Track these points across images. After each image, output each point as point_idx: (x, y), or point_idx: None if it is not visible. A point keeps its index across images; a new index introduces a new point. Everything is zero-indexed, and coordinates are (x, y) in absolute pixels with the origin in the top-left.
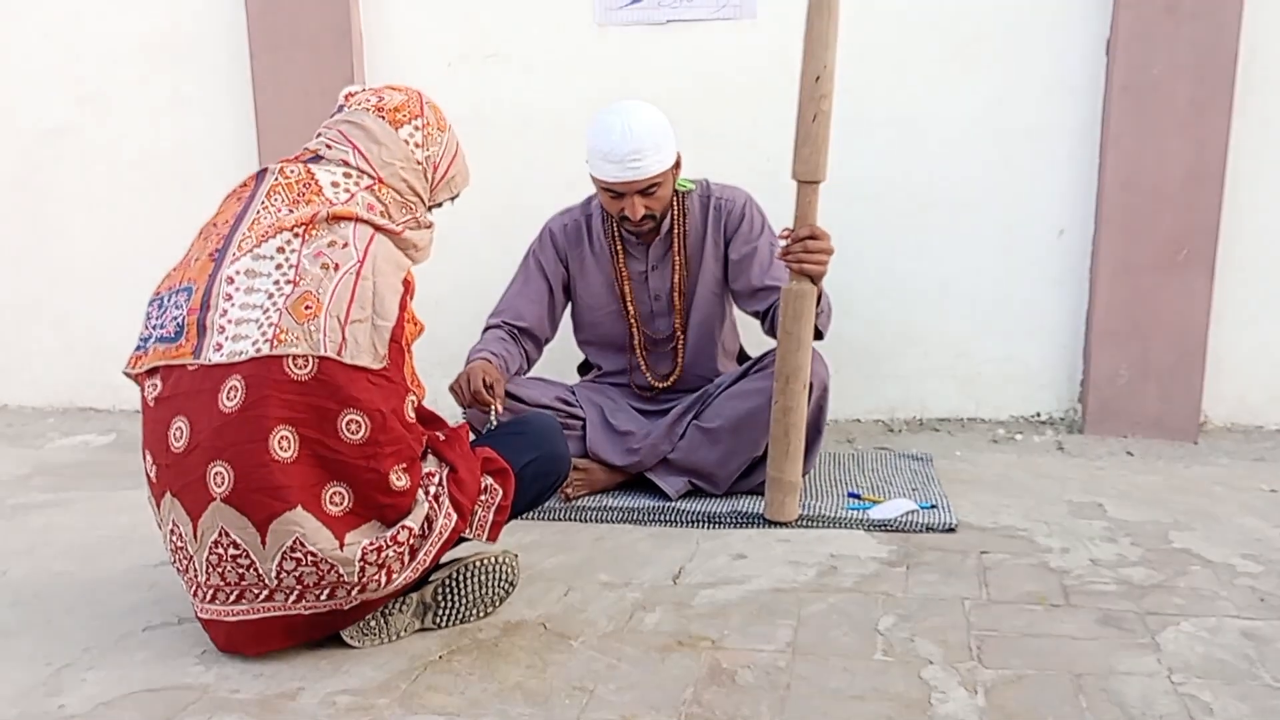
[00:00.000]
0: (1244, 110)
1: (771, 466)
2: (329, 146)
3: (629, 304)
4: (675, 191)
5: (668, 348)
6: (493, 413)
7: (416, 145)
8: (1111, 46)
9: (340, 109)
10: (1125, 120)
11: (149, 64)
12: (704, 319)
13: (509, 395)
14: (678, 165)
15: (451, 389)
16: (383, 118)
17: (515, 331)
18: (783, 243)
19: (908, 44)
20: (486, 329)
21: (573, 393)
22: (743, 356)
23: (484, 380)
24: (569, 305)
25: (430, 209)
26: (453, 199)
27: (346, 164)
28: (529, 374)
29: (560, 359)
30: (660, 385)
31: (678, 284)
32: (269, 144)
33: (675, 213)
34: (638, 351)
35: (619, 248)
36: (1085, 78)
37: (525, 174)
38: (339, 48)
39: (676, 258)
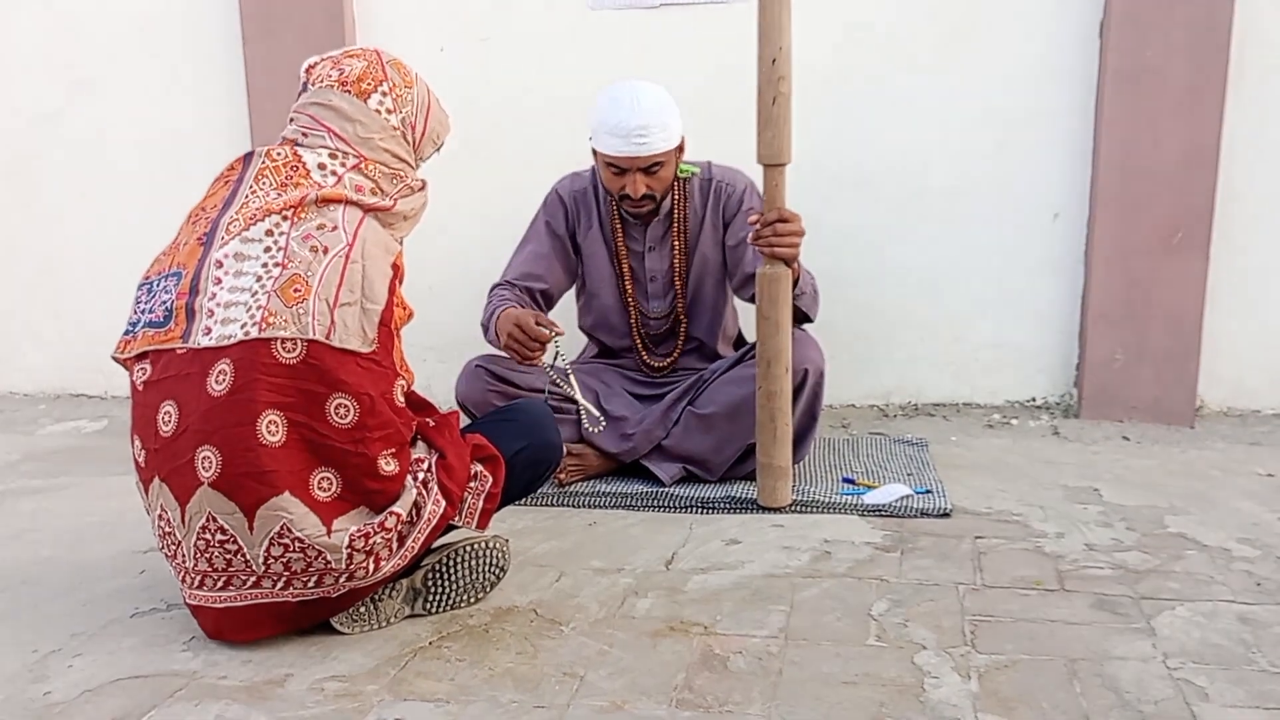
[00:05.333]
0: (1238, 93)
1: (761, 453)
2: (305, 134)
3: (626, 282)
4: (678, 175)
5: (664, 329)
6: (554, 346)
7: (389, 111)
8: (1105, 30)
9: (304, 87)
10: (1119, 104)
11: (141, 49)
12: (705, 302)
13: (500, 379)
14: (681, 148)
15: (508, 348)
16: (349, 91)
17: (521, 289)
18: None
19: (901, 28)
20: (493, 290)
21: (568, 375)
22: (741, 342)
23: (533, 320)
24: (580, 268)
25: (417, 166)
26: (438, 149)
27: (328, 146)
28: None
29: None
30: (659, 365)
31: (678, 267)
32: (261, 129)
33: (676, 196)
34: (634, 331)
35: (617, 225)
36: (1079, 61)
37: (518, 158)
38: (331, 32)
39: (676, 241)
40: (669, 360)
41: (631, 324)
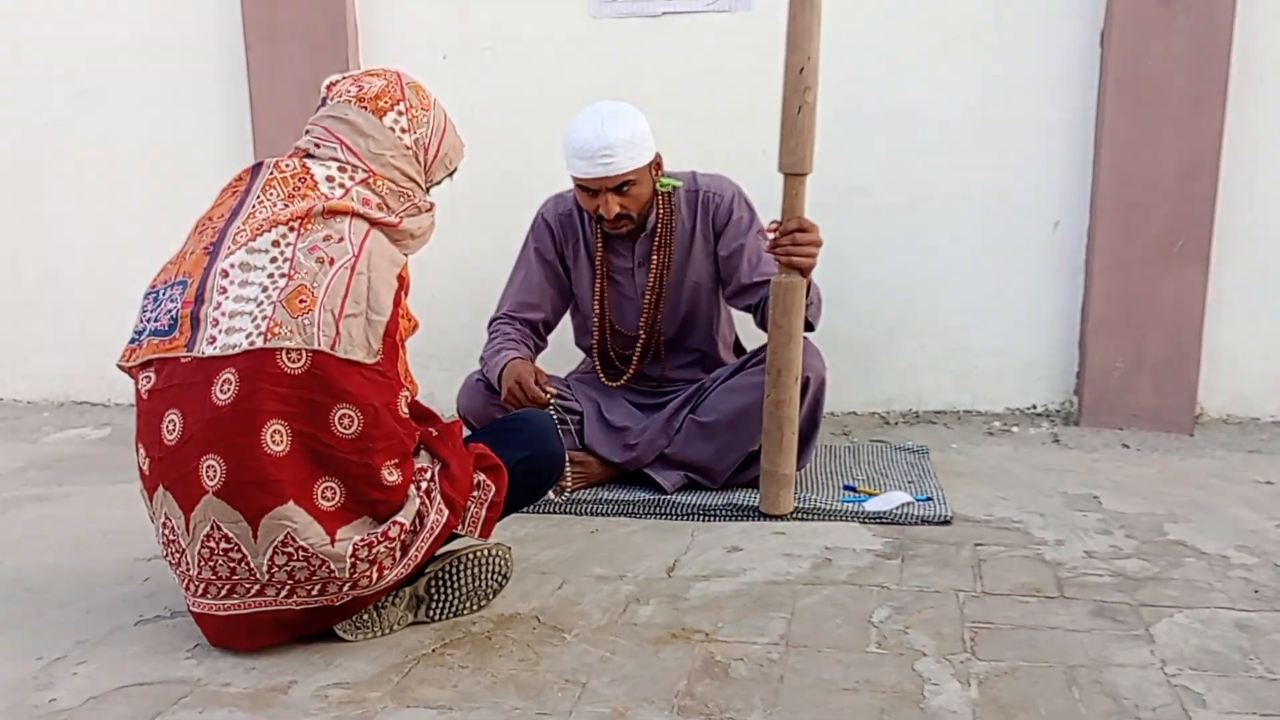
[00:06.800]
0: (1239, 102)
1: (765, 460)
2: (317, 145)
3: (599, 302)
4: (657, 191)
5: (635, 346)
6: (553, 405)
7: (403, 130)
8: (1106, 38)
9: (323, 101)
10: (1120, 112)
11: (144, 57)
12: (701, 312)
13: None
14: (658, 166)
15: (508, 402)
16: (365, 108)
17: (521, 323)
18: (771, 236)
19: (902, 36)
20: (493, 324)
21: (568, 386)
22: (739, 348)
23: (534, 379)
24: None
25: (429, 189)
26: (450, 174)
27: (338, 159)
28: None
29: (558, 354)
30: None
31: (653, 284)
32: (264, 137)
33: (661, 210)
34: (602, 349)
35: (600, 243)
36: (1080, 70)
37: (520, 166)
38: (334, 40)
39: (655, 256)
40: (625, 378)
41: (597, 342)
